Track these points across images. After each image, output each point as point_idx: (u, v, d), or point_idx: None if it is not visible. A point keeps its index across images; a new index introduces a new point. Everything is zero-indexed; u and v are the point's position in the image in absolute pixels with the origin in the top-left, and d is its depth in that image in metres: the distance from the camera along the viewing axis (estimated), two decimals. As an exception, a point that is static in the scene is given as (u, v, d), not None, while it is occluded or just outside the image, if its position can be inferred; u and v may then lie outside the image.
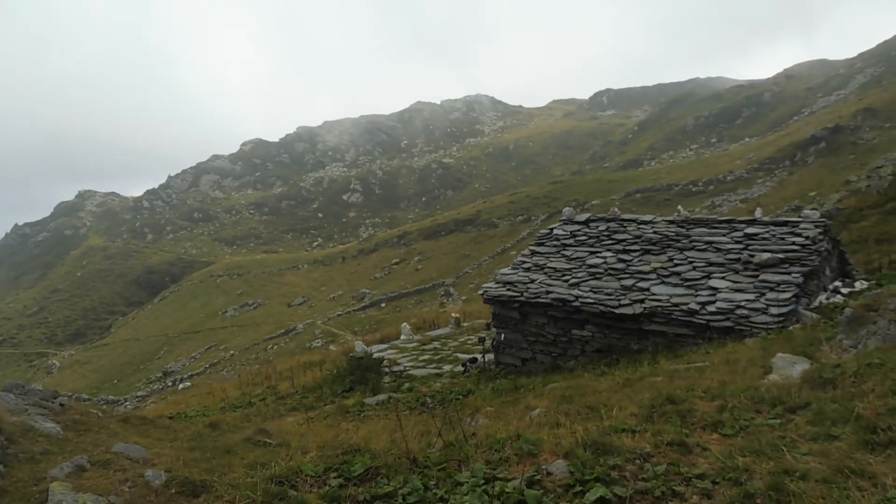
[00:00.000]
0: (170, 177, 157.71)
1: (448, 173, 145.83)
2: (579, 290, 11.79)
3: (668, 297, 10.69)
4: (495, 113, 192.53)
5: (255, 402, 15.77)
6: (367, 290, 70.89)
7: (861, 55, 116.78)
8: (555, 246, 13.87)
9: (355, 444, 4.78)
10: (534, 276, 12.83)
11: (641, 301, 10.83)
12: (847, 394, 4.68)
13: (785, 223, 12.03)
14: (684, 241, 12.31)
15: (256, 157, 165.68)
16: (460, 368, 14.33)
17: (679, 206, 15.48)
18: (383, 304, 63.83)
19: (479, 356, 14.21)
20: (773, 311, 9.62)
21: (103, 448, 4.55)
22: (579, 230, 14.14)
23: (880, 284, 10.81)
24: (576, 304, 11.48)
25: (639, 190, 73.10)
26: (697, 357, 8.47)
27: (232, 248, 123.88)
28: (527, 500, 3.63)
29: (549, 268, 13.00)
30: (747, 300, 10.03)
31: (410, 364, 16.25)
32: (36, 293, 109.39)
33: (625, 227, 13.66)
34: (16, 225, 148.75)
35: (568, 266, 12.81)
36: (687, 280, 11.07)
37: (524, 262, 13.62)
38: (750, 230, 11.97)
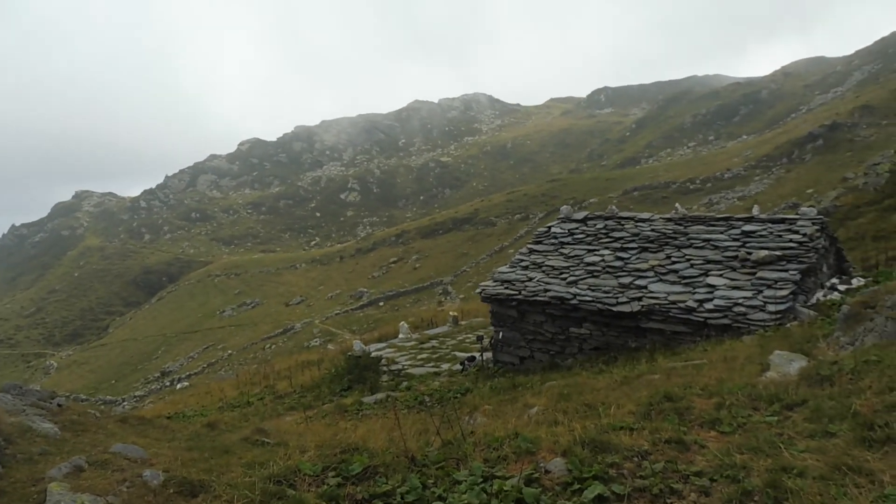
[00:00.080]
0: (167, 177, 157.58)
1: (446, 172, 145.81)
2: (577, 288, 11.79)
3: (665, 295, 10.70)
4: (493, 111, 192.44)
5: (253, 401, 15.76)
6: (365, 289, 70.89)
7: (858, 52, 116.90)
8: (553, 244, 13.88)
9: (353, 443, 4.78)
10: (532, 275, 12.84)
11: (639, 299, 10.84)
12: (844, 391, 4.69)
13: (782, 220, 12.04)
14: (682, 239, 12.32)
15: (254, 156, 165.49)
16: (458, 367, 14.33)
17: (676, 204, 15.50)
18: (381, 303, 63.84)
19: (477, 355, 14.22)
20: (771, 308, 9.64)
21: (101, 448, 4.54)
22: (577, 228, 14.14)
23: (877, 281, 10.82)
24: (574, 302, 11.49)
25: (636, 188, 73.16)
26: (695, 354, 8.48)
27: (229, 247, 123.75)
28: (525, 499, 3.63)
29: (546, 266, 13.01)
30: (745, 297, 10.04)
31: (408, 363, 16.25)
32: (33, 294, 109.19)
33: (622, 224, 13.67)
34: (13, 226, 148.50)
35: (566, 264, 12.81)
36: (684, 278, 11.08)
37: (522, 261, 13.62)
38: (747, 228, 11.98)
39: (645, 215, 14.08)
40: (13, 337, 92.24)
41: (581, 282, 11.96)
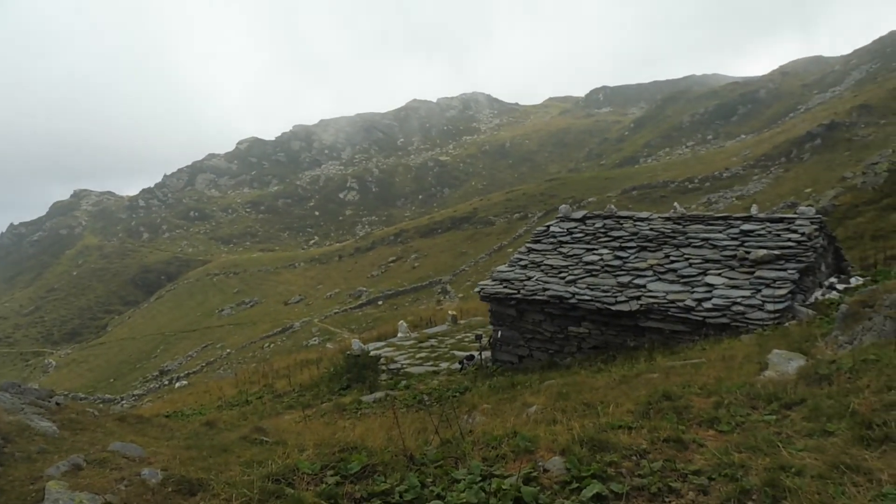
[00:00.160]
0: (166, 176, 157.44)
1: (444, 171, 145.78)
2: (576, 287, 11.80)
3: (664, 294, 10.71)
4: (492, 111, 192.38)
5: (252, 400, 15.75)
6: (364, 288, 70.89)
7: (856, 52, 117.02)
8: (551, 243, 13.88)
9: (352, 441, 4.77)
10: (530, 274, 12.84)
11: (638, 298, 10.85)
12: (842, 390, 4.70)
13: (781, 220, 12.05)
14: (680, 238, 12.32)
15: (252, 155, 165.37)
16: (457, 366, 14.33)
17: (675, 203, 15.53)
18: (380, 302, 63.85)
19: (475, 353, 14.22)
20: (769, 307, 9.65)
21: (99, 447, 4.54)
22: (576, 227, 14.14)
23: (875, 280, 10.83)
24: (572, 301, 11.49)
25: (635, 187, 73.24)
26: (694, 354, 8.49)
27: (228, 246, 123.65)
28: (523, 497, 3.63)
29: (545, 265, 13.01)
30: (743, 297, 10.05)
31: (407, 362, 16.25)
32: (32, 292, 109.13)
33: (621, 224, 13.67)
34: (11, 224, 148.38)
35: (564, 263, 12.82)
36: (683, 277, 11.09)
37: (521, 260, 13.62)
38: (746, 227, 11.99)
39: (643, 214, 14.08)
40: (12, 335, 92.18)
41: (580, 281, 11.97)
